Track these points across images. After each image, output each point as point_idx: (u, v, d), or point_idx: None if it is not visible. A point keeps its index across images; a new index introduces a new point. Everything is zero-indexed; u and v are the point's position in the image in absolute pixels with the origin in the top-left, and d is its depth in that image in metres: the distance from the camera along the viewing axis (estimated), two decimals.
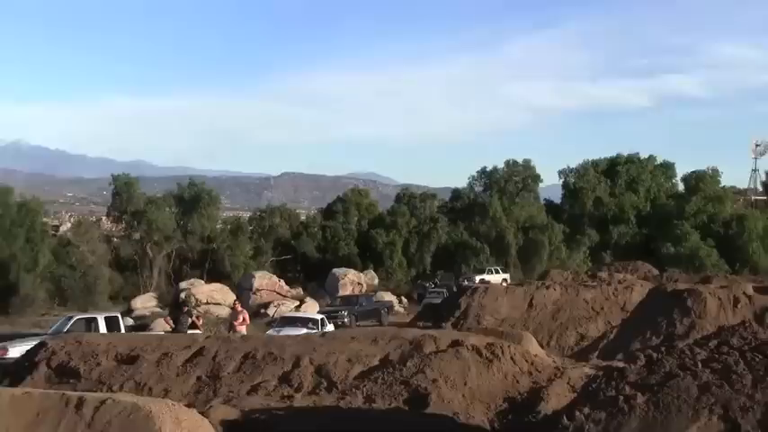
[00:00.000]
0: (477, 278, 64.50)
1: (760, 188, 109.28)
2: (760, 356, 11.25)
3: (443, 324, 33.89)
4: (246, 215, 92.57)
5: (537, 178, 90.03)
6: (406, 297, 64.61)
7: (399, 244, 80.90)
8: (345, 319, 45.69)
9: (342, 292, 60.29)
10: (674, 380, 9.90)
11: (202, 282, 58.64)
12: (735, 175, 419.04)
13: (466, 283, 57.65)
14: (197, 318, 32.11)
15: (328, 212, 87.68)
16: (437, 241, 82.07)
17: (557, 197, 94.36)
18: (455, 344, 17.34)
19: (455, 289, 51.12)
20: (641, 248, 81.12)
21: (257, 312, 51.73)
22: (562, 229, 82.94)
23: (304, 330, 31.99)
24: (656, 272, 62.08)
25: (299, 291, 63.19)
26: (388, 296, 60.53)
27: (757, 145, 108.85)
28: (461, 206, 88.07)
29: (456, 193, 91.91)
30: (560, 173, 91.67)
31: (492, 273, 70.17)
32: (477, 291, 37.77)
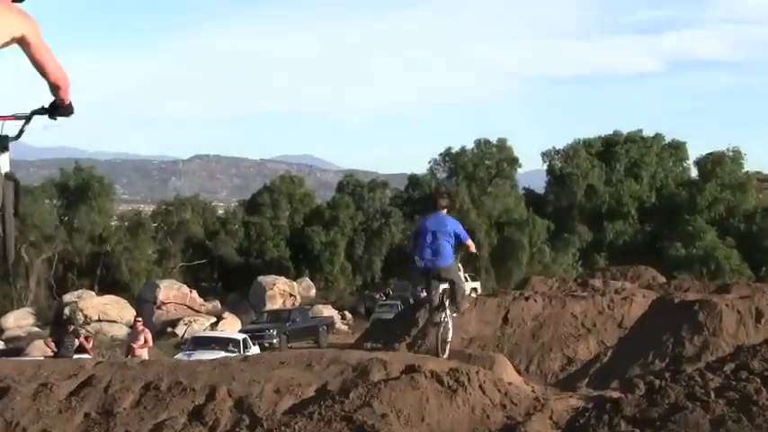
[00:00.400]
0: (441, 287, 64.66)
1: None
2: None
3: (396, 345, 33.94)
4: (149, 208, 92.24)
5: (515, 162, 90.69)
6: (350, 311, 64.69)
7: (342, 245, 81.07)
8: (274, 340, 45.78)
9: (270, 306, 60.26)
10: (682, 413, 10.05)
11: (93, 293, 58.29)
12: (761, 158, 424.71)
13: (425, 293, 57.77)
14: (85, 339, 31.87)
15: (252, 205, 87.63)
16: (389, 241, 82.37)
17: (539, 185, 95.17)
18: (410, 370, 17.39)
19: (411, 301, 51.14)
20: (644, 249, 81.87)
21: (163, 331, 51.57)
22: (546, 225, 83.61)
23: (222, 354, 31.85)
24: (662, 279, 62.25)
25: (216, 304, 63.03)
26: (327, 310, 60.58)
27: None
28: (420, 197, 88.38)
29: (413, 181, 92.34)
30: (544, 155, 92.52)
31: None
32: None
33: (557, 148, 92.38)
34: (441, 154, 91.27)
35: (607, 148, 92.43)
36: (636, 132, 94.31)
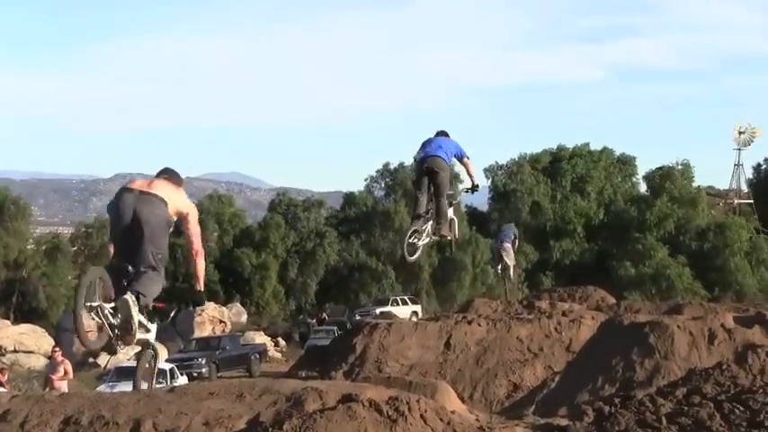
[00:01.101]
0: (378, 311, 64.72)
1: (744, 188, 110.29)
2: (741, 408, 11.56)
3: (333, 373, 33.89)
4: (68, 231, 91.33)
5: (456, 178, 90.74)
6: (283, 338, 64.49)
7: (274, 267, 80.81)
8: (203, 369, 45.53)
9: (198, 333, 59.88)
10: None
11: (8, 322, 57.60)
12: (712, 172, 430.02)
13: (362, 318, 57.73)
14: (0, 371, 31.55)
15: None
16: (325, 263, 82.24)
17: (482, 203, 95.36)
18: (347, 399, 17.37)
19: (348, 326, 51.10)
20: (592, 268, 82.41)
21: (84, 362, 51.08)
22: (489, 244, 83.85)
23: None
24: (611, 299, 62.70)
25: None
26: (259, 337, 60.32)
27: (741, 132, 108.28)
28: (357, 216, 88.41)
29: (349, 199, 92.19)
30: (487, 171, 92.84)
31: (398, 304, 70.45)
32: (377, 328, 37.79)
33: (500, 164, 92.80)
34: (378, 170, 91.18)
35: (553, 163, 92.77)
36: (583, 146, 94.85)
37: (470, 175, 17.92)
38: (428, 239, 17.56)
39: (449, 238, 17.85)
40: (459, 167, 18.61)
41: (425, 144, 16.93)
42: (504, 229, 39.22)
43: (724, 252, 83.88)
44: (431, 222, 17.09)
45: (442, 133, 17.00)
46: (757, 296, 75.93)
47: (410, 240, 17.28)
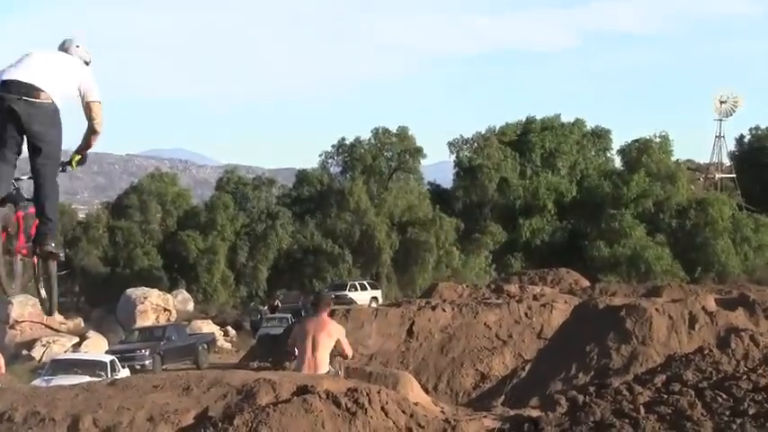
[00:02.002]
0: (335, 296, 64.94)
1: (726, 162, 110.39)
2: (723, 396, 11.64)
3: (287, 364, 33.90)
4: None
5: (418, 153, 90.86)
6: (233, 327, 64.44)
7: (222, 251, 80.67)
8: (146, 361, 45.43)
9: (141, 323, 59.73)
10: (609, 431, 10.19)
11: None
12: (692, 145, 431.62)
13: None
14: None
15: (118, 208, 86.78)
16: (277, 246, 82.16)
17: (447, 180, 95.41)
18: (303, 391, 17.36)
19: (303, 313, 51.12)
20: (564, 249, 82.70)
21: (17, 354, 50.86)
22: (455, 224, 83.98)
23: (86, 378, 31.56)
24: (585, 282, 63.29)
25: (79, 322, 62.32)
26: (207, 326, 60.28)
27: (722, 102, 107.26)
28: (311, 195, 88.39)
29: (303, 177, 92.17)
30: (451, 145, 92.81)
31: (356, 289, 70.57)
32: (334, 315, 37.93)
33: (465, 138, 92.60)
34: (333, 146, 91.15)
35: (522, 137, 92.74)
36: (553, 118, 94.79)
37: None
38: None
39: None
40: None
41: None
42: None
43: (705, 230, 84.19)
44: None
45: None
46: (741, 277, 76.38)
47: None
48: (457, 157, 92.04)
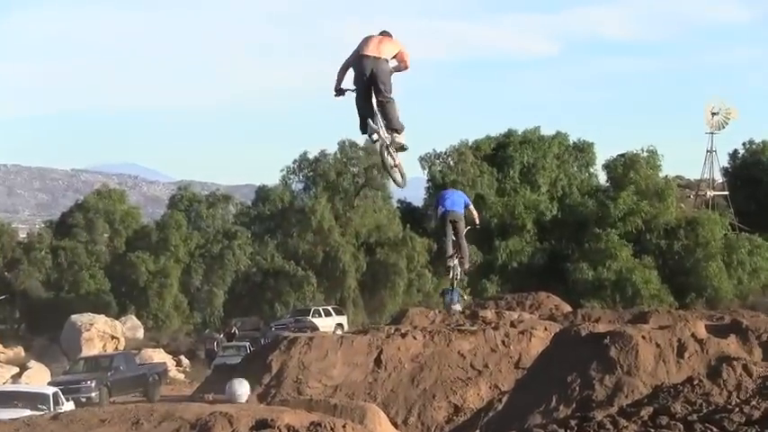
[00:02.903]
0: (296, 322, 64.94)
1: (719, 178, 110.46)
2: (714, 429, 11.73)
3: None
4: None
5: None
6: (186, 356, 64.38)
7: (175, 274, 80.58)
8: (92, 393, 45.24)
9: (86, 352, 59.60)
10: None
11: None
12: (682, 160, 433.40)
13: (278, 332, 57.80)
14: None
15: (63, 226, 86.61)
16: (234, 268, 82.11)
17: (418, 197, 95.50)
18: (262, 425, 17.43)
19: (263, 341, 51.14)
20: (544, 272, 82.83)
21: None
22: (426, 244, 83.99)
23: (27, 412, 31.48)
24: (566, 307, 63.35)
25: (19, 351, 62.21)
26: (158, 355, 60.19)
27: (714, 113, 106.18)
28: (271, 213, 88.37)
29: (262, 193, 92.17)
30: (422, 160, 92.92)
31: (320, 315, 70.61)
32: (296, 343, 37.91)
33: (438, 152, 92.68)
34: (296, 160, 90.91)
35: (499, 151, 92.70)
36: (533, 131, 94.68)
37: (474, 220, 28.29)
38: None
39: (467, 267, 29.97)
40: None
41: (443, 198, 28.32)
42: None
43: (696, 252, 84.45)
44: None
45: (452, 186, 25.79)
46: (733, 302, 76.57)
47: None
48: (429, 172, 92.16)
